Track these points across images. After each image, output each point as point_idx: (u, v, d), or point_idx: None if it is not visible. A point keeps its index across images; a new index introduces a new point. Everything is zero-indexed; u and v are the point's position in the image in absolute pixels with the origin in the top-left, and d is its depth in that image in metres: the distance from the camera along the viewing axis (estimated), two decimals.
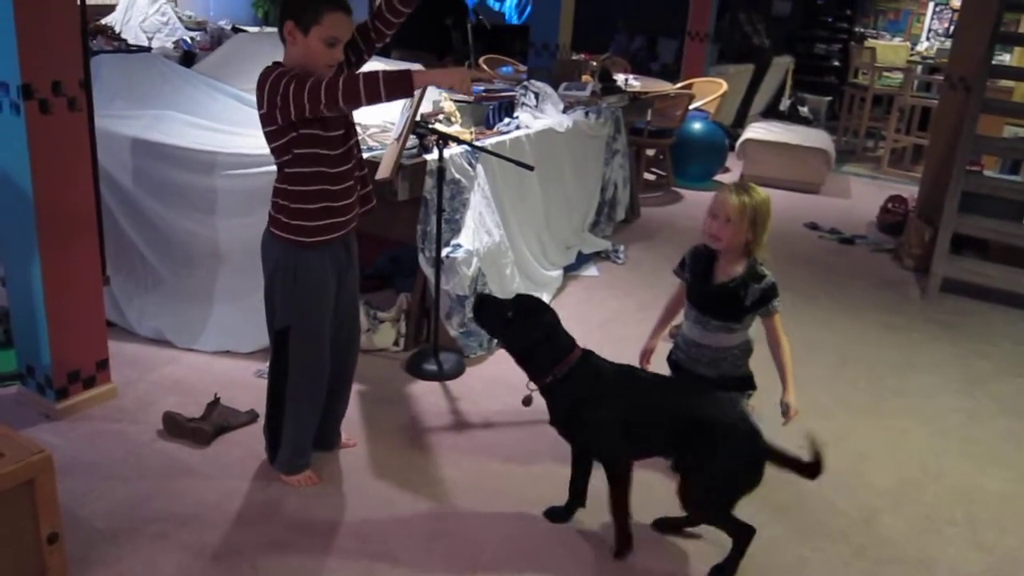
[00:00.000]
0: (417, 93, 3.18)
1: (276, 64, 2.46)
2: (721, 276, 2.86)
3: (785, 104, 10.26)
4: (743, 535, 2.51)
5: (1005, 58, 9.44)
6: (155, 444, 3.01)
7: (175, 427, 3.05)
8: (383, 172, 3.14)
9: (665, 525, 2.73)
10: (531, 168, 3.54)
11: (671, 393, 2.70)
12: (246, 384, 3.45)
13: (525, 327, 2.57)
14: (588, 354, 2.68)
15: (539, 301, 2.69)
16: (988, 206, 5.38)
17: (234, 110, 4.13)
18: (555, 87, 5.09)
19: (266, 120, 2.48)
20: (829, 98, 10.69)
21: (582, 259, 5.07)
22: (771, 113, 10.00)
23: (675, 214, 6.48)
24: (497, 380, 3.60)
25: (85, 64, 2.93)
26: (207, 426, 3.05)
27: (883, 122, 9.23)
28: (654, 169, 7.37)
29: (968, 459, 3.32)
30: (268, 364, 2.84)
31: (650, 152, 7.17)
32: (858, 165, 8.84)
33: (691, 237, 5.81)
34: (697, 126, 7.16)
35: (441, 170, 3.35)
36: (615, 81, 5.96)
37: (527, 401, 2.65)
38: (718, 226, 2.78)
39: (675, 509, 2.60)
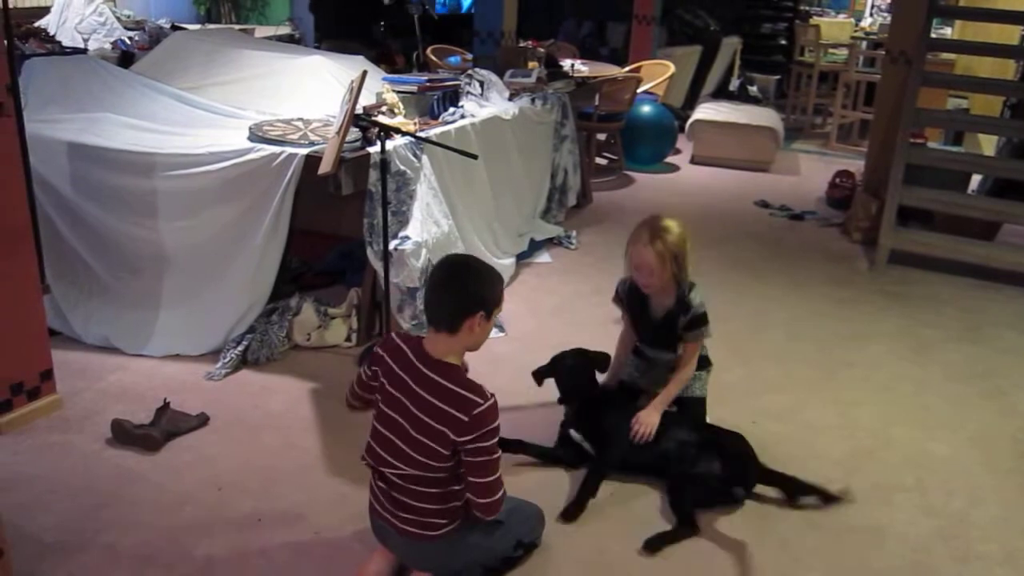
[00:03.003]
0: (355, 84, 3.15)
1: (478, 389, 2.17)
2: (656, 310, 3.04)
3: (734, 84, 10.36)
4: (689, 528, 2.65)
5: (946, 31, 9.60)
6: (104, 453, 2.96)
7: (123, 434, 3.00)
8: (325, 167, 3.10)
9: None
10: (475, 157, 3.52)
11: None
12: (196, 388, 3.40)
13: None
14: None
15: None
16: (932, 177, 5.47)
17: (173, 110, 4.07)
18: (500, 75, 5.08)
19: (445, 446, 2.18)
20: (777, 77, 10.81)
21: (534, 246, 5.07)
22: (721, 93, 10.08)
23: (627, 197, 6.50)
24: None
25: (11, 68, 2.85)
26: (156, 432, 3.00)
27: (830, 99, 9.34)
28: (605, 153, 7.38)
29: (917, 426, 3.38)
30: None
31: (600, 136, 7.19)
32: (807, 142, 8.94)
33: (641, 219, 5.86)
34: (646, 109, 7.19)
35: (384, 162, 3.32)
36: (561, 67, 5.96)
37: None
38: (644, 277, 2.93)
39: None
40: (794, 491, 2.81)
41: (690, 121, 7.70)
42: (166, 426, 3.06)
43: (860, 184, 6.18)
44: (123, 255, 3.72)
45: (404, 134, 3.52)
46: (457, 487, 2.24)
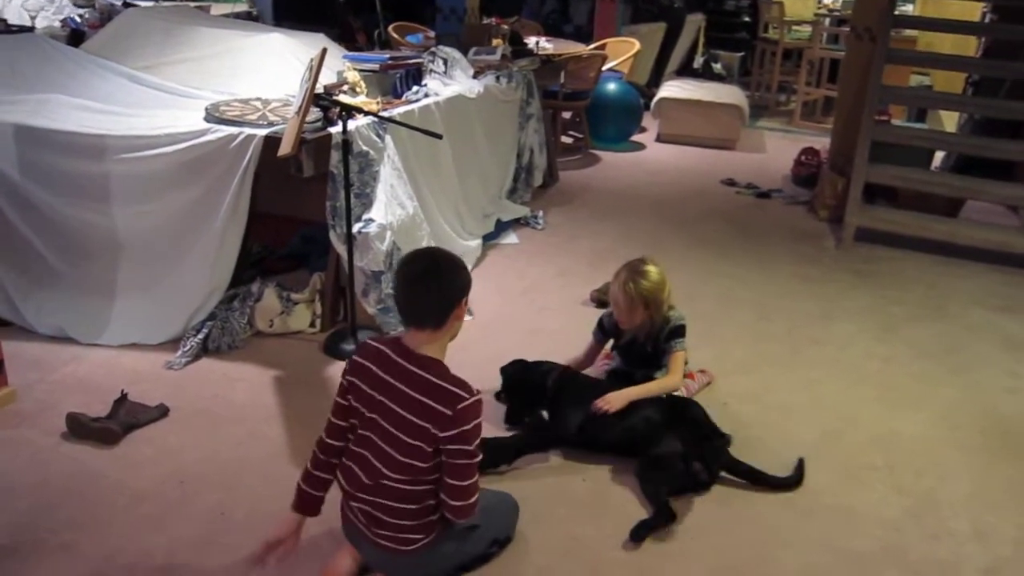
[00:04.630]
0: (315, 63, 3.06)
1: (463, 384, 2.11)
2: (637, 337, 3.15)
3: (699, 61, 10.32)
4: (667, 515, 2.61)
5: (907, 8, 9.63)
6: (59, 448, 2.86)
7: (79, 428, 2.90)
8: (284, 148, 3.01)
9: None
10: (439, 136, 3.44)
11: None
12: (156, 377, 3.30)
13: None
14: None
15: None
16: (897, 155, 5.48)
17: (126, 91, 3.95)
18: (464, 53, 4.98)
19: (428, 442, 2.11)
20: (741, 54, 10.78)
21: (501, 227, 5.00)
22: (685, 71, 10.03)
23: (593, 176, 6.45)
24: None
25: None
26: (114, 425, 2.90)
27: (794, 76, 9.34)
28: (571, 132, 7.32)
29: (885, 405, 3.38)
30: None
31: (566, 115, 7.12)
32: (772, 119, 8.95)
33: (609, 199, 5.88)
34: (611, 87, 7.12)
35: (346, 143, 3.23)
36: (526, 44, 5.86)
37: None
38: (617, 313, 3.10)
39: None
40: (757, 482, 2.80)
41: (656, 99, 7.65)
42: (124, 418, 2.97)
43: (825, 162, 6.18)
44: (76, 242, 3.60)
45: (366, 114, 3.43)
46: (433, 501, 2.18)
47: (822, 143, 6.76)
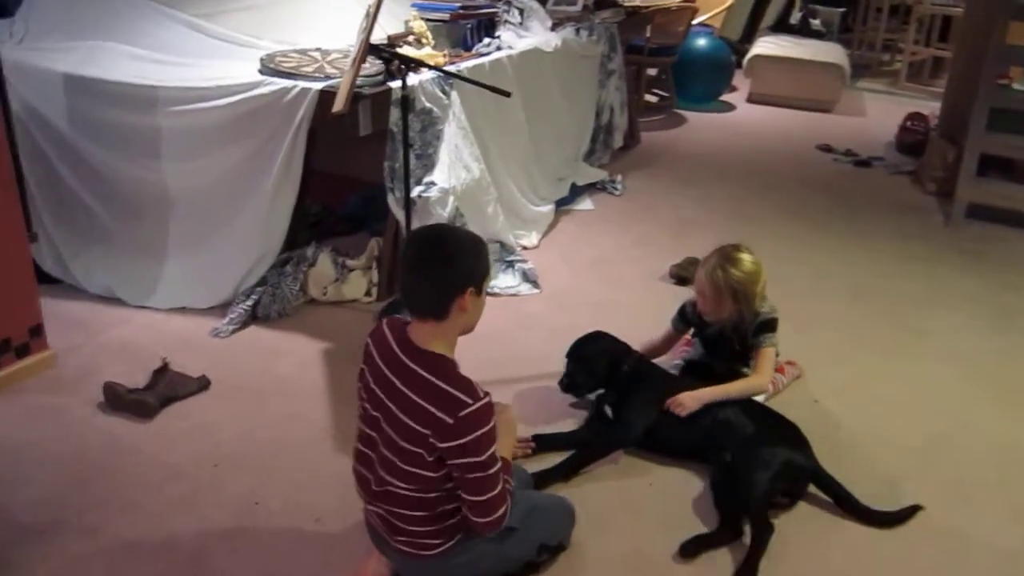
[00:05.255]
0: (372, 9, 2.78)
1: (468, 387, 1.81)
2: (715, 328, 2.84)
3: (796, 17, 9.67)
4: (767, 532, 2.26)
5: None
6: (95, 420, 2.71)
7: (116, 399, 2.74)
8: (337, 104, 2.74)
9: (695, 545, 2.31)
10: (507, 94, 3.13)
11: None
12: (201, 345, 3.13)
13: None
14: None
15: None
16: (1016, 122, 4.93)
17: (183, 38, 3.72)
18: (543, 2, 4.63)
19: (428, 451, 1.83)
20: (842, 9, 10.07)
21: (576, 191, 4.69)
22: (781, 27, 9.42)
23: (678, 139, 6.05)
24: (477, 331, 3.27)
25: None
26: (151, 397, 2.73)
27: (900, 34, 8.67)
28: (655, 90, 6.91)
29: (1002, 408, 2.99)
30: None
31: (651, 72, 6.69)
32: (874, 80, 8.33)
33: (694, 163, 5.49)
34: (701, 42, 6.67)
35: (406, 99, 2.96)
36: None
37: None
38: (702, 302, 2.76)
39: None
40: (849, 508, 2.42)
41: (748, 56, 7.16)
42: (163, 390, 2.80)
43: (935, 128, 5.65)
44: (126, 198, 3.43)
45: (430, 68, 3.15)
46: (451, 506, 1.91)
47: (930, 108, 6.21)
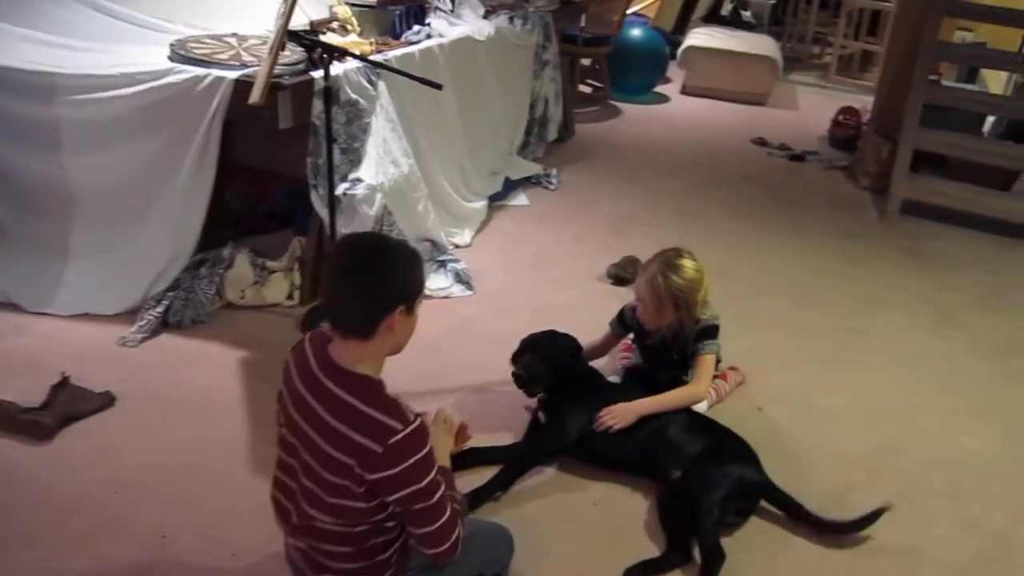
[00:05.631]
0: None
1: (396, 410, 1.62)
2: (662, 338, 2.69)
3: (727, 8, 9.66)
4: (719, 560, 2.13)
5: None
6: None
7: (8, 420, 2.48)
8: (254, 96, 2.53)
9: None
10: (439, 87, 2.95)
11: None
12: (107, 355, 2.88)
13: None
14: None
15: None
16: (946, 119, 4.94)
17: (87, 20, 3.44)
18: None
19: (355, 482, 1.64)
20: (772, 1, 10.11)
21: (509, 186, 4.52)
22: (712, 18, 9.39)
23: (614, 131, 5.93)
24: None
25: None
26: (47, 417, 2.48)
27: (830, 27, 8.71)
28: (589, 81, 6.78)
29: (946, 413, 2.94)
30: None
31: (585, 62, 6.56)
32: (804, 73, 8.35)
33: (630, 156, 5.37)
34: (636, 32, 6.56)
35: (328, 90, 2.75)
36: None
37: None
38: (642, 310, 2.63)
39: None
40: (804, 521, 2.33)
41: (682, 47, 7.08)
42: (62, 408, 2.54)
43: (867, 123, 5.65)
44: (25, 195, 3.15)
45: (356, 57, 2.94)
46: (381, 539, 1.73)
47: (861, 102, 6.22)
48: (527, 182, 4.66)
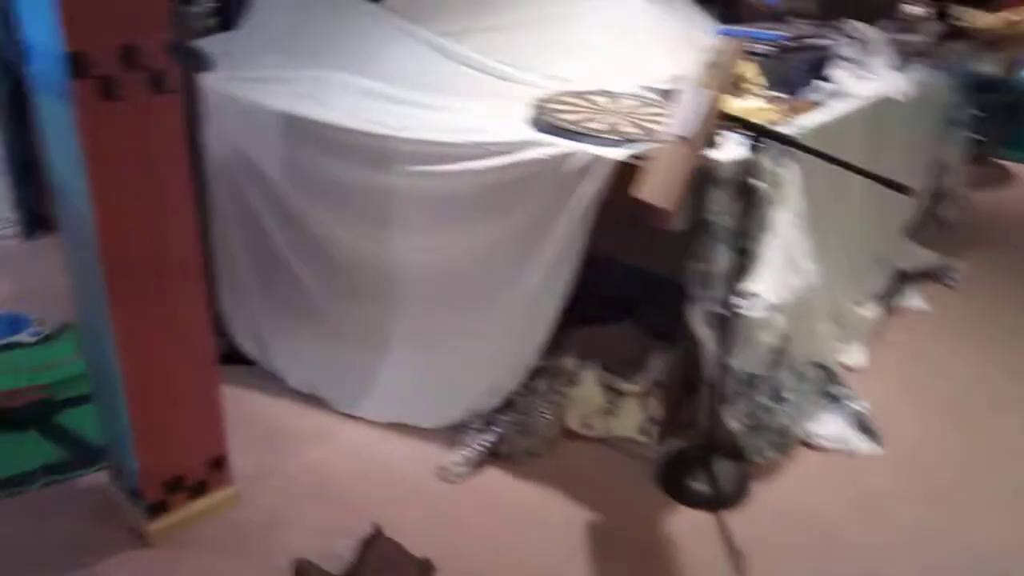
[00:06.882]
0: (720, 59, 1.83)
1: None
2: None
3: None
4: None
5: None
6: None
7: None
8: (660, 199, 1.82)
9: None
10: (907, 191, 2.10)
11: None
12: (421, 492, 2.31)
13: None
14: None
15: None
16: None
17: (427, 63, 2.95)
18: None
19: None
20: None
21: (897, 281, 3.53)
22: None
23: (1012, 200, 4.70)
24: (795, 511, 2.26)
25: (175, 17, 1.79)
26: None
27: None
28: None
29: None
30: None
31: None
32: None
33: None
34: None
35: (749, 185, 1.99)
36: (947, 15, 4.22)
37: None
38: None
39: None
40: None
41: None
42: (373, 573, 1.99)
43: None
44: (344, 274, 2.68)
45: (785, 141, 2.15)
46: None
47: None
48: (919, 276, 3.62)
